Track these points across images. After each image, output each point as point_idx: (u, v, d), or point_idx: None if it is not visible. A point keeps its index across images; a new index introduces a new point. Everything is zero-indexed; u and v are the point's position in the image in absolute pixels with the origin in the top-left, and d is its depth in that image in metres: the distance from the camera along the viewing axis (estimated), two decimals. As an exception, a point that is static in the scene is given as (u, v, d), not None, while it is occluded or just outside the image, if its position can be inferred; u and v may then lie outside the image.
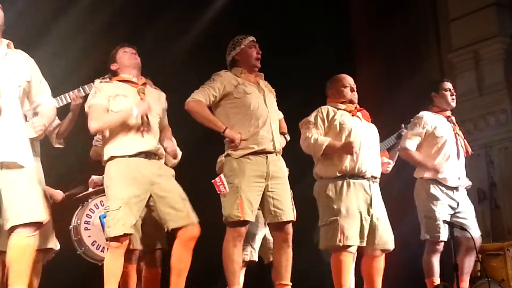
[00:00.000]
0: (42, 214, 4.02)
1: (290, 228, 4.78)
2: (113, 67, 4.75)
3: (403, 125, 6.03)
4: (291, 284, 4.79)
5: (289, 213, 4.75)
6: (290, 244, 4.78)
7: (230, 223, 4.67)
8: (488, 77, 8.39)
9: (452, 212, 5.63)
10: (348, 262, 4.98)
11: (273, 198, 4.73)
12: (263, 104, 4.83)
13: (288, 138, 5.15)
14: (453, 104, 5.85)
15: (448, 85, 5.87)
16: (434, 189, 5.62)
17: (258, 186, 4.69)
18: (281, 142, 4.92)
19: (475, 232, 5.67)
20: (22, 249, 3.94)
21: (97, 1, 6.99)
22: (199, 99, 4.74)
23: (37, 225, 3.99)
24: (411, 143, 5.68)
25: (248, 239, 5.40)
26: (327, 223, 5.03)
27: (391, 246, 5.09)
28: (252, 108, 4.78)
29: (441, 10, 8.92)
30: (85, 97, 4.84)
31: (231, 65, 4.96)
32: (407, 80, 8.36)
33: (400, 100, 7.87)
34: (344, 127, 5.08)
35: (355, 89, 5.28)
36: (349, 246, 4.95)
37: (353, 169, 5.03)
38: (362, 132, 5.10)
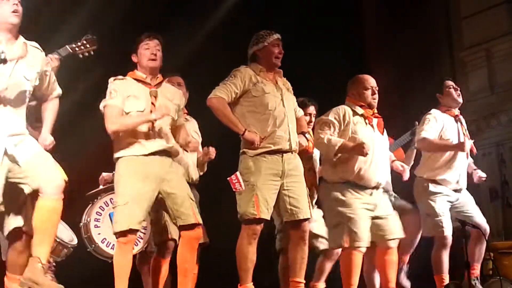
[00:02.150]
0: (64, 175, 4.07)
1: (307, 225, 4.79)
2: (134, 58, 4.68)
3: (416, 123, 6.01)
4: (304, 281, 4.80)
5: (306, 211, 4.76)
6: (307, 242, 4.79)
7: (245, 221, 4.67)
8: (500, 75, 8.34)
9: (450, 205, 5.65)
10: (358, 261, 4.98)
11: (290, 196, 4.73)
12: (281, 104, 4.81)
13: (309, 137, 5.13)
14: (460, 99, 5.83)
15: (450, 82, 5.86)
16: (432, 187, 5.63)
17: (273, 184, 4.70)
18: (297, 142, 4.87)
19: (479, 218, 5.69)
20: (50, 211, 3.96)
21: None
22: (222, 96, 4.72)
23: (63, 187, 4.01)
24: (427, 133, 5.63)
25: None
26: (333, 225, 5.05)
27: (400, 234, 5.10)
28: (270, 107, 4.76)
29: (453, 8, 8.89)
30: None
31: (252, 59, 4.92)
32: (418, 79, 8.32)
33: (413, 99, 7.84)
34: (355, 137, 5.04)
35: (377, 91, 5.20)
36: (358, 247, 4.95)
37: (358, 179, 5.02)
38: (373, 144, 5.04)
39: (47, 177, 3.96)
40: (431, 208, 5.59)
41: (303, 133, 5.03)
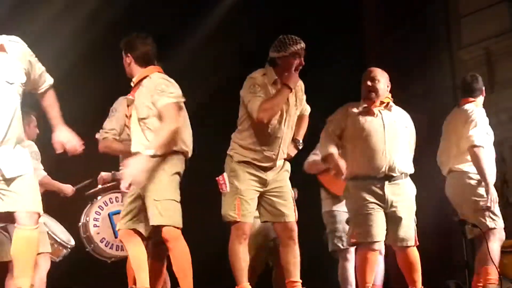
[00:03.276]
0: (40, 207, 4.01)
1: (294, 225, 4.82)
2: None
3: None
4: (301, 281, 4.81)
5: (291, 214, 4.80)
6: (296, 241, 4.81)
7: (230, 222, 4.72)
8: (499, 74, 8.33)
9: None
10: (373, 260, 4.99)
11: (274, 200, 4.78)
12: (282, 125, 4.77)
13: (301, 147, 5.08)
14: None
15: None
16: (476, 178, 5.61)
17: (255, 189, 4.74)
18: (284, 154, 4.86)
19: None
20: (28, 241, 3.92)
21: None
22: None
23: (38, 217, 3.97)
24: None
25: None
26: (349, 221, 5.11)
27: (409, 243, 5.04)
28: (270, 128, 4.73)
29: (452, 6, 8.88)
30: None
31: (270, 63, 4.80)
32: (418, 78, 8.32)
33: (412, 98, 7.84)
34: (361, 129, 5.03)
35: (374, 80, 5.08)
36: (370, 243, 4.94)
37: (363, 170, 5.00)
38: (370, 134, 5.01)
39: (25, 206, 3.90)
40: (478, 204, 5.54)
41: (295, 141, 4.99)
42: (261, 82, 4.71)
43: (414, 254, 5.08)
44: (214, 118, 6.23)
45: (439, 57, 8.76)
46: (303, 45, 4.75)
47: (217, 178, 4.75)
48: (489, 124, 8.15)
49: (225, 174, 4.74)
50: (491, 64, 8.40)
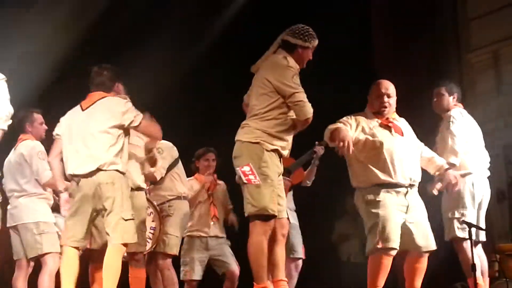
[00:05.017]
0: None
1: (288, 222, 4.80)
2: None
3: (317, 142, 6.21)
4: (287, 280, 4.75)
5: (285, 210, 4.75)
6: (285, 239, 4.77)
7: (263, 216, 4.49)
8: (507, 77, 8.35)
9: None
10: (387, 265, 4.95)
11: (279, 196, 4.61)
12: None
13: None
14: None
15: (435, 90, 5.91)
16: None
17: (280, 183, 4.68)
18: None
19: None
20: None
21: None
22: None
23: None
24: None
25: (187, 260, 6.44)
26: (370, 229, 5.00)
27: (430, 248, 5.05)
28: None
29: (460, 10, 8.90)
30: None
31: (289, 48, 4.70)
32: (426, 81, 8.32)
33: (420, 101, 7.86)
34: (374, 139, 5.01)
35: (390, 96, 5.10)
36: (390, 249, 4.92)
37: (385, 180, 4.98)
38: (392, 144, 5.01)
39: None
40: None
41: None
42: (297, 72, 4.65)
43: (425, 261, 5.09)
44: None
45: (448, 59, 8.78)
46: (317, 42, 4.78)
47: (241, 170, 4.48)
48: (496, 127, 8.23)
49: (250, 164, 4.50)
50: (499, 68, 8.43)
